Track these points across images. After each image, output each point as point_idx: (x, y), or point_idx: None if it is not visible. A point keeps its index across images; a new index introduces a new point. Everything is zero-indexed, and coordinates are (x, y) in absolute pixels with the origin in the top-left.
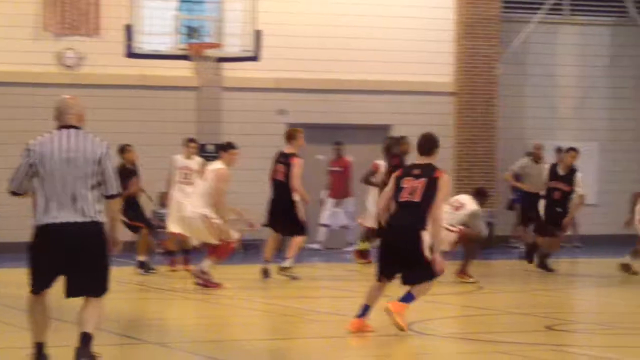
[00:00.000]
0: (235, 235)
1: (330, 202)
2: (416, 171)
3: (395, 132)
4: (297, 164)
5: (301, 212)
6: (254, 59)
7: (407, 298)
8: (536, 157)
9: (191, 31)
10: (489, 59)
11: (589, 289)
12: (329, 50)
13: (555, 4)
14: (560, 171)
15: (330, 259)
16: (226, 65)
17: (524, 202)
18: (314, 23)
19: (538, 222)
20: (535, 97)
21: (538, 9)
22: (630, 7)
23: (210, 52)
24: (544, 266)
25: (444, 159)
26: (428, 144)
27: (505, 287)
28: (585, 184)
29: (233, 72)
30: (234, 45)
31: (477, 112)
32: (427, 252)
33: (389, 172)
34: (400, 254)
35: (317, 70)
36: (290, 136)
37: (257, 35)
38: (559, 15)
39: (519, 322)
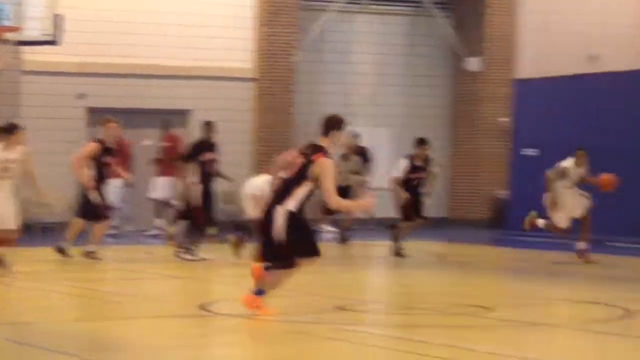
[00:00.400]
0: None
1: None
2: (307, 150)
3: (196, 117)
4: (83, 148)
5: (93, 195)
6: (54, 42)
7: (258, 293)
8: (345, 157)
9: None
10: (288, 46)
11: (382, 271)
12: (130, 34)
13: None
14: (418, 162)
15: (128, 241)
16: (26, 48)
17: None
18: (116, 8)
19: (404, 208)
20: (332, 84)
21: None
22: None
23: (10, 36)
24: (399, 254)
25: (242, 143)
26: (324, 124)
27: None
28: (378, 169)
29: (33, 56)
30: (34, 28)
31: (276, 98)
32: (278, 233)
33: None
34: (260, 229)
35: (118, 54)
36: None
37: (58, 19)
38: (357, 5)
39: (311, 304)
